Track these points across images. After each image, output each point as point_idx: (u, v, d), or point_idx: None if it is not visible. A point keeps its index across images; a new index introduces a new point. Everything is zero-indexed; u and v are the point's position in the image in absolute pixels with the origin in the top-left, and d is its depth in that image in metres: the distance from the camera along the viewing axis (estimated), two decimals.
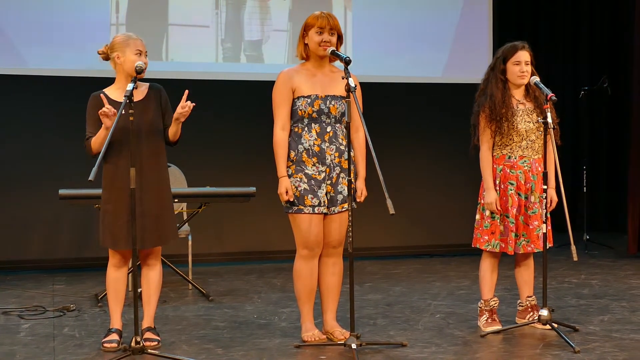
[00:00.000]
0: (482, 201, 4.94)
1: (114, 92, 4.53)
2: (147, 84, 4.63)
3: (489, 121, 4.87)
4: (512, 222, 4.86)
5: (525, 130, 4.86)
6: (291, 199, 4.55)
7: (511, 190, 4.87)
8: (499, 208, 4.86)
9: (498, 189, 4.89)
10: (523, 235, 4.89)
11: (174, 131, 4.55)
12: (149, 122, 4.51)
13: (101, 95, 4.50)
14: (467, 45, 8.11)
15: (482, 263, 5.02)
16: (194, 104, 4.46)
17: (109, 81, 4.70)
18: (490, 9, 8.21)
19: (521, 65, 4.88)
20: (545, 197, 4.79)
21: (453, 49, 8.11)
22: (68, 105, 7.20)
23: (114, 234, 4.49)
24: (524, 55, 4.90)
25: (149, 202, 4.51)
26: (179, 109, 4.45)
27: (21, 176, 7.32)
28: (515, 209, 4.86)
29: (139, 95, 4.52)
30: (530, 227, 4.88)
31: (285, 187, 4.54)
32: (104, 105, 4.40)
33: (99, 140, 4.42)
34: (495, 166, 4.91)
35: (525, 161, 4.89)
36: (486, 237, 4.91)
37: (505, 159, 4.90)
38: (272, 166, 4.61)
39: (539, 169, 4.90)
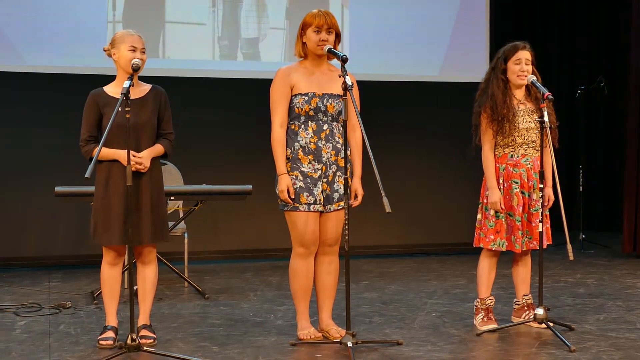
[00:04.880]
0: (485, 200, 4.93)
1: (114, 89, 4.53)
2: (150, 85, 4.62)
3: (490, 121, 4.87)
4: (519, 221, 4.85)
5: (527, 130, 4.86)
6: (292, 196, 4.53)
7: (516, 189, 4.86)
8: (503, 207, 4.85)
9: (502, 187, 4.88)
10: (526, 232, 4.90)
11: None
12: (145, 120, 4.50)
13: (99, 92, 4.51)
14: (464, 44, 8.11)
15: (480, 261, 5.02)
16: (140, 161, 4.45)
17: (106, 78, 4.69)
18: (488, 7, 8.21)
19: (521, 65, 4.88)
20: (542, 196, 4.80)
21: (450, 47, 8.11)
22: (64, 102, 7.20)
23: (108, 230, 4.48)
24: (524, 54, 4.89)
25: (144, 199, 4.50)
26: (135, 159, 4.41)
27: (17, 173, 7.31)
28: (521, 207, 4.86)
29: (137, 94, 4.51)
30: (533, 224, 4.88)
31: (287, 184, 4.53)
32: (99, 105, 4.42)
33: (102, 154, 4.34)
34: (497, 165, 4.91)
35: (527, 159, 4.89)
36: (491, 237, 4.90)
37: (508, 158, 4.90)
38: (268, 164, 4.61)
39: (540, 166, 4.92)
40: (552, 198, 4.93)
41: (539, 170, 4.89)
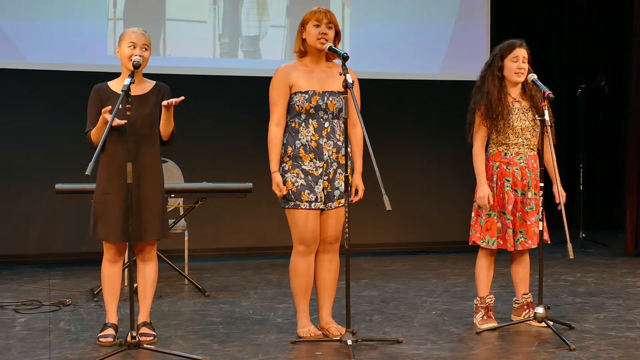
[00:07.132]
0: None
1: (117, 85, 4.53)
2: (154, 82, 4.62)
3: (484, 119, 4.87)
4: (509, 219, 4.86)
5: (521, 128, 4.86)
6: (284, 192, 4.55)
7: (507, 187, 4.87)
8: (492, 202, 4.85)
9: (495, 185, 4.89)
10: (520, 231, 4.89)
11: (164, 125, 4.52)
12: (146, 116, 4.50)
13: (102, 87, 4.52)
14: (465, 42, 8.11)
15: (478, 260, 5.02)
16: (182, 97, 4.45)
17: (106, 76, 4.70)
18: (488, 5, 8.21)
19: (519, 62, 4.88)
20: (542, 195, 4.80)
21: (450, 45, 8.10)
22: (64, 100, 7.21)
23: (107, 225, 4.48)
24: (521, 52, 4.90)
25: (145, 196, 4.50)
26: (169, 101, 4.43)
27: (17, 170, 7.31)
28: (511, 206, 4.86)
29: (139, 91, 4.51)
30: (528, 223, 4.88)
31: (277, 182, 4.55)
32: (102, 99, 4.43)
33: (98, 133, 4.39)
34: (491, 163, 4.91)
35: (521, 157, 4.89)
36: (482, 234, 4.91)
37: (502, 156, 4.90)
38: (268, 162, 4.61)
39: (535, 165, 4.91)
40: (564, 193, 4.91)
41: (535, 169, 4.89)
